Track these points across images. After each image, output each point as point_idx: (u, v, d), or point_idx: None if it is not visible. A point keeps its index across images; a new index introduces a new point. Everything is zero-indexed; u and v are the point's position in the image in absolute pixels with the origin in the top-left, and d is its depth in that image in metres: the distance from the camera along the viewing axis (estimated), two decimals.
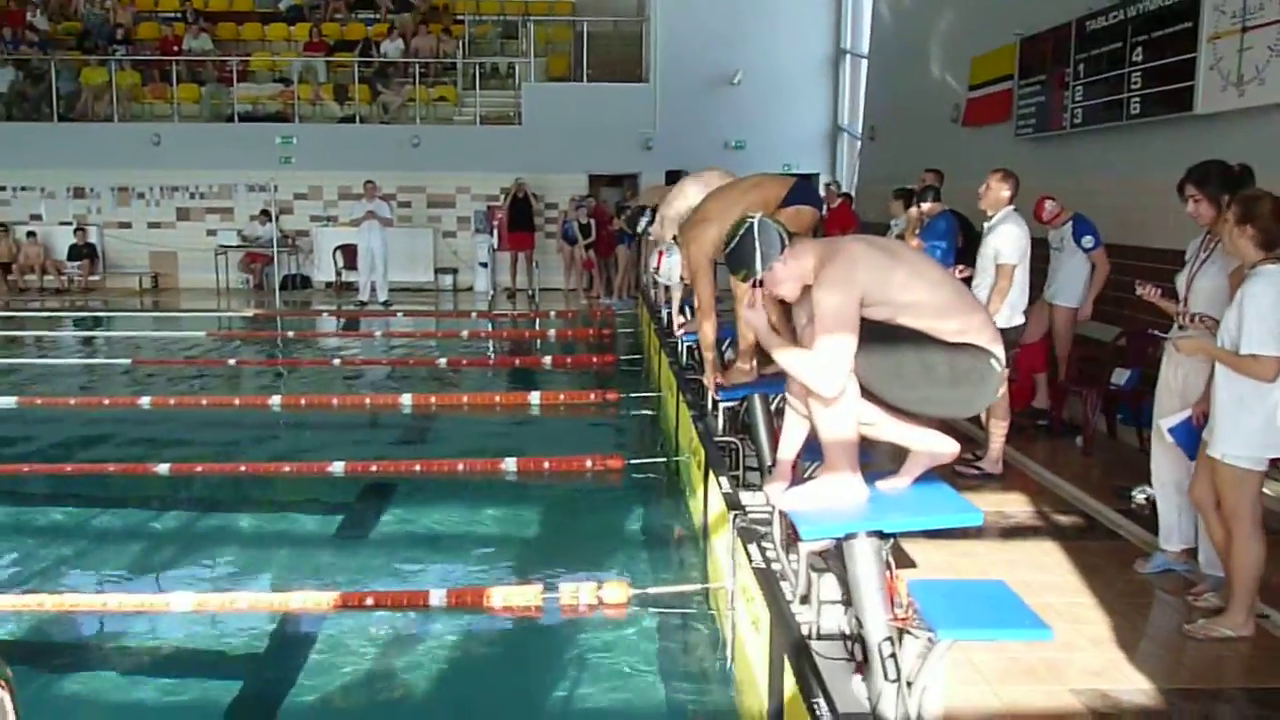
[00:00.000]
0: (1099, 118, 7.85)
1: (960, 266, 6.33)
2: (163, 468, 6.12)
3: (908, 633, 2.96)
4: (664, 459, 6.35)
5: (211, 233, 17.63)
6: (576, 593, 4.17)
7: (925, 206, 7.58)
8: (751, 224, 3.11)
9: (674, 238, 5.61)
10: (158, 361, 10.57)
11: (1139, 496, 5.42)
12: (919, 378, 2.95)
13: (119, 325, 13.92)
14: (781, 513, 3.27)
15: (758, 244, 3.08)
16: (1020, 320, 5.96)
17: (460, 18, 19.12)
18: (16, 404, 8.18)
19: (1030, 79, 9.03)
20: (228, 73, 18.11)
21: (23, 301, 16.04)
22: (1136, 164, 7.51)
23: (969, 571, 4.32)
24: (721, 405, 5.32)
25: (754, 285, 3.15)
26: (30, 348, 11.90)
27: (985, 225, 6.00)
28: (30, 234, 17.35)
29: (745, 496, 4.54)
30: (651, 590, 4.22)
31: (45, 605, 4.03)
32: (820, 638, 3.24)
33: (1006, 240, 5.77)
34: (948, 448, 3.13)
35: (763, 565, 3.55)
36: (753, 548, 3.71)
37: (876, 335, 2.94)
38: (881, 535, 2.95)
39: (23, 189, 17.46)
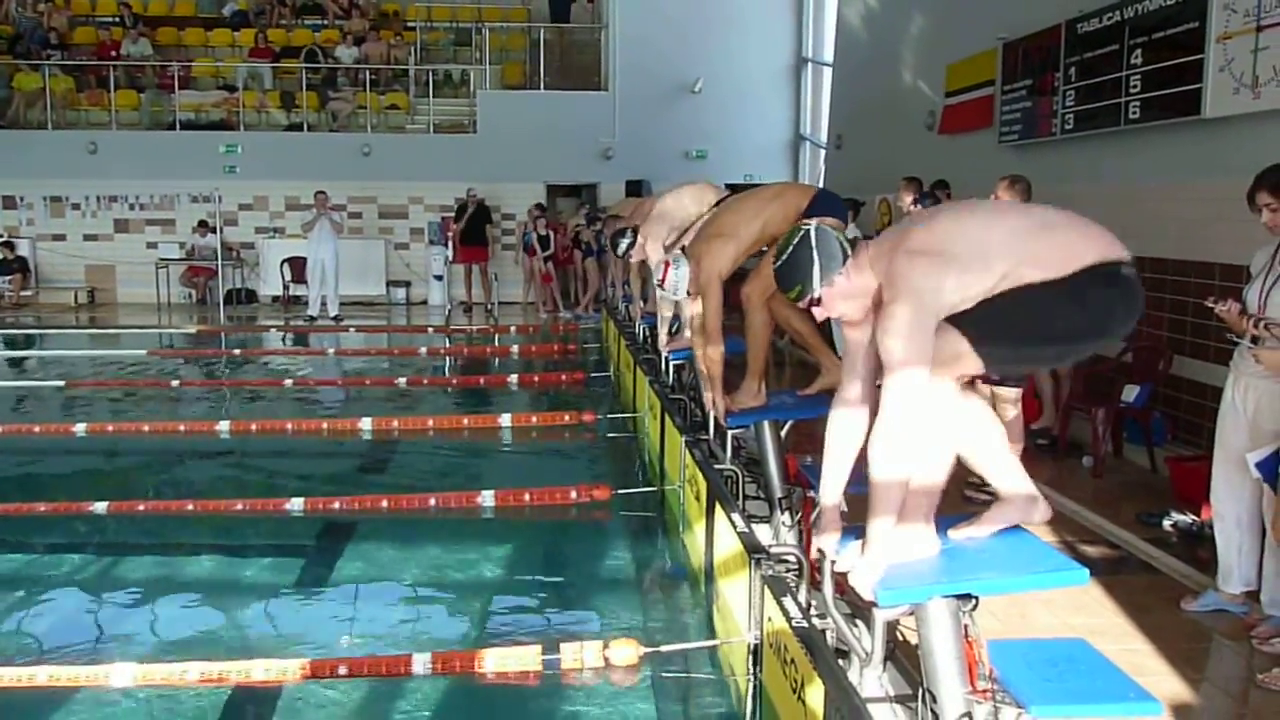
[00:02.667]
0: (1092, 123, 7.57)
1: None
2: (100, 506, 5.49)
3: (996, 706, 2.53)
4: (653, 488, 5.87)
5: (152, 245, 16.83)
6: (580, 653, 3.67)
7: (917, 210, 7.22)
8: (808, 233, 2.67)
9: (682, 249, 5.15)
10: (94, 383, 9.85)
11: (1168, 524, 5.10)
12: (1046, 325, 2.56)
13: (52, 343, 13.10)
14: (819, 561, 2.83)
15: (816, 256, 2.64)
16: None
17: (411, 24, 18.55)
18: None
19: (1014, 84, 8.74)
20: (169, 79, 17.34)
21: None
22: (1133, 170, 7.23)
23: (1006, 611, 3.91)
24: (729, 432, 4.86)
25: (809, 304, 2.71)
26: None
27: None
28: None
29: (759, 535, 4.09)
30: (664, 648, 3.74)
31: None
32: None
33: None
34: (1040, 509, 2.72)
35: (804, 624, 3.10)
36: (787, 601, 3.26)
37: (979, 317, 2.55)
38: (965, 597, 2.52)
39: None
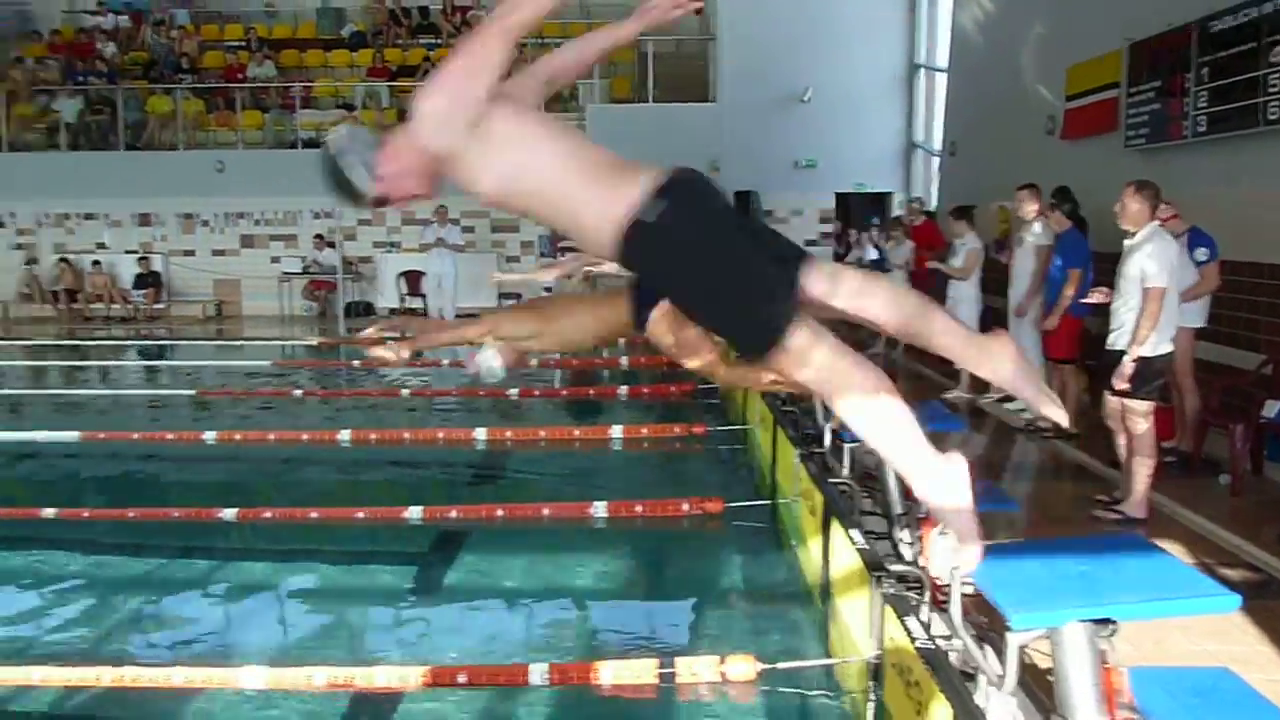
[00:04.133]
0: (1227, 125, 7.21)
1: (1103, 290, 5.74)
2: (229, 513, 5.70)
3: None
4: (766, 501, 5.81)
5: (275, 260, 17.50)
6: (696, 667, 3.64)
7: (1054, 216, 7.05)
8: (326, 151, 2.62)
9: None
10: (222, 392, 10.27)
11: None
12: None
13: (183, 354, 13.72)
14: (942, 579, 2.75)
15: (349, 161, 2.58)
16: (1168, 349, 5.36)
17: (523, 41, 18.84)
18: (79, 438, 7.89)
19: (1141, 86, 8.40)
20: (291, 100, 18.03)
21: (88, 330, 15.98)
22: (1272, 173, 6.86)
23: (1139, 636, 3.73)
24: (845, 445, 4.78)
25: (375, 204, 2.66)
26: (95, 378, 11.72)
27: (1126, 244, 5.42)
28: (95, 263, 17.36)
29: (878, 551, 4.00)
30: (782, 665, 3.68)
31: (102, 680, 3.59)
32: None
33: (1154, 260, 5.19)
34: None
35: (929, 644, 3.01)
36: (910, 620, 3.18)
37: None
38: (1104, 622, 2.41)
39: (89, 217, 17.44)
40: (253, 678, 3.58)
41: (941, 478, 2.47)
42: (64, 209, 17.67)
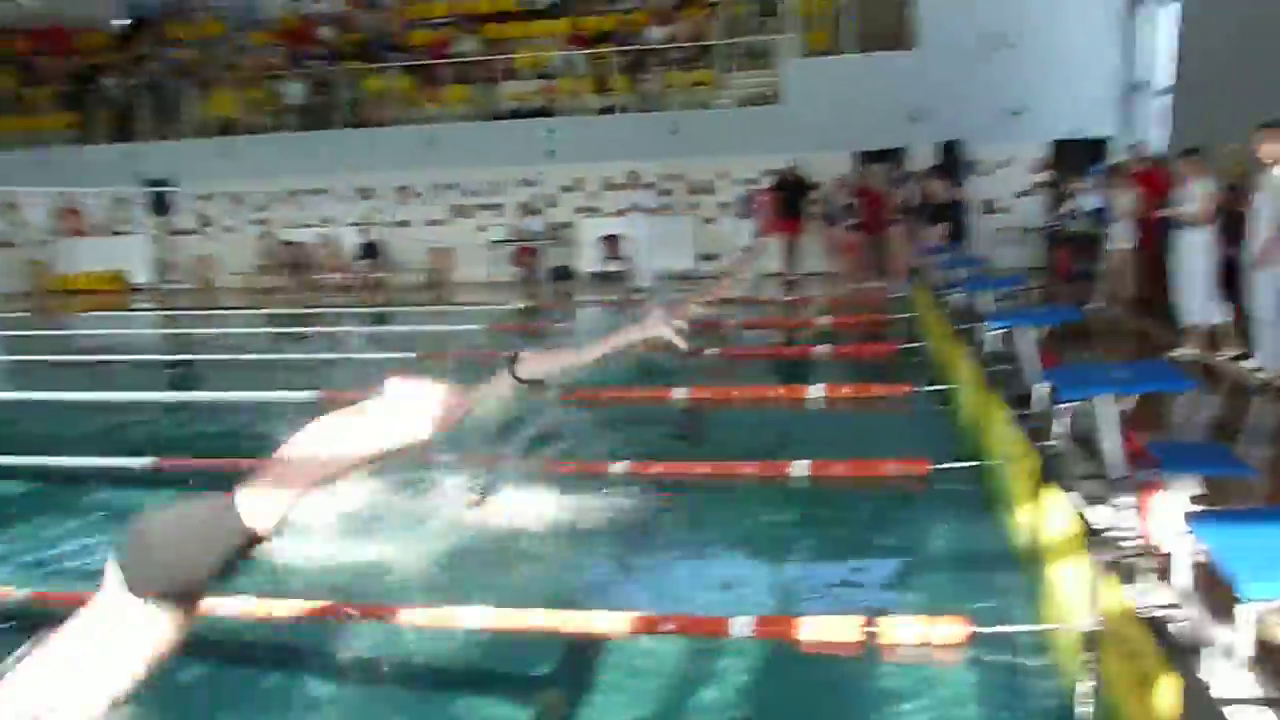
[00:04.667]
0: None
1: None
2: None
3: None
4: (974, 463, 5.64)
5: (483, 228, 18.25)
6: (903, 628, 3.61)
7: None
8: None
9: None
10: (442, 355, 10.88)
11: None
12: None
13: (402, 320, 14.55)
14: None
15: None
16: None
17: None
18: (317, 397, 8.53)
19: None
20: (494, 72, 18.67)
21: (317, 299, 17.17)
22: None
23: None
24: (1060, 406, 4.58)
25: None
26: (326, 344, 12.58)
27: None
28: (322, 236, 18.65)
29: (1096, 516, 3.83)
30: (992, 629, 3.59)
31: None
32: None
33: None
34: None
35: (1153, 613, 2.87)
36: (1130, 587, 3.04)
37: None
38: None
39: (315, 192, 18.69)
40: (471, 618, 3.82)
41: None
42: (293, 186, 19.02)
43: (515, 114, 18.29)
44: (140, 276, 20.07)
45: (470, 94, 18.79)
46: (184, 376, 11.67)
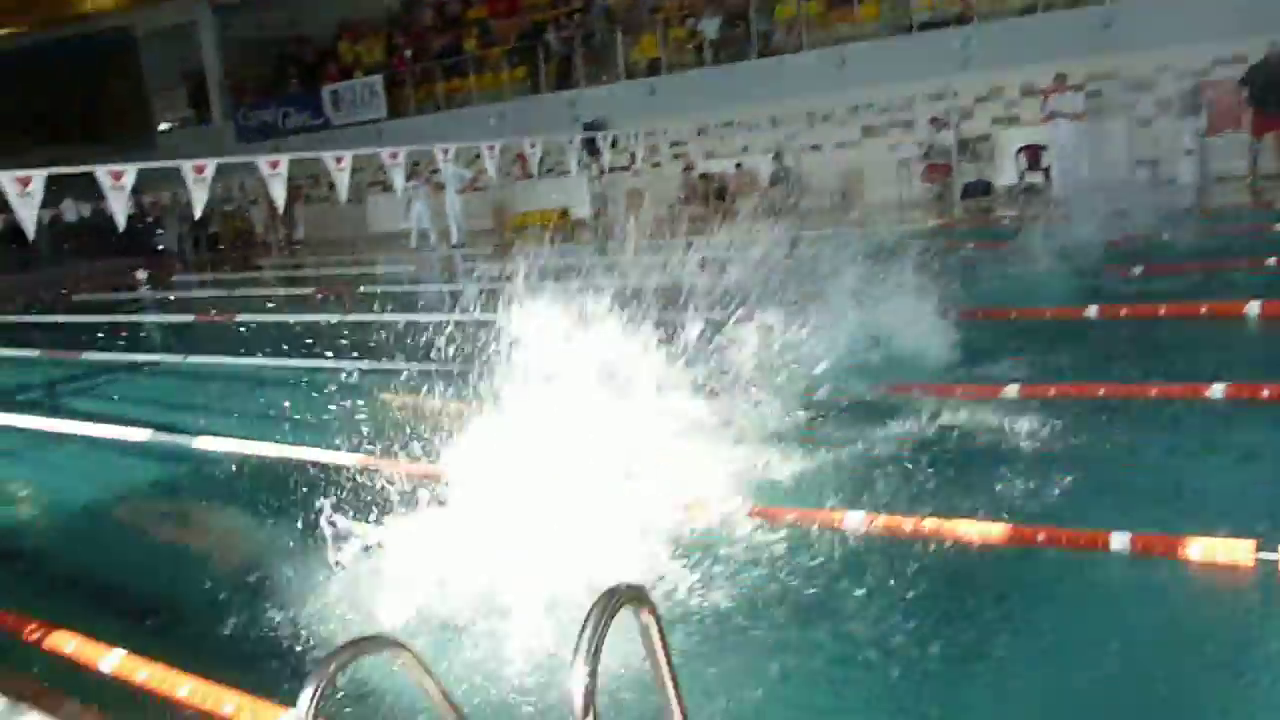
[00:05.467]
0: None
1: None
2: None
3: None
4: None
5: (894, 147, 18.00)
6: None
7: None
8: None
9: None
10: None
11: None
12: None
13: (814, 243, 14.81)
14: None
15: None
16: None
17: None
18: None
19: None
20: None
21: (735, 229, 17.86)
22: None
23: None
24: None
25: None
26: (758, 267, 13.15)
27: None
28: (738, 165, 19.43)
29: None
30: None
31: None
32: None
33: None
34: None
35: None
36: None
37: None
38: None
39: (729, 125, 19.55)
40: (853, 521, 4.10)
41: None
42: (709, 120, 19.94)
43: (928, 25, 17.70)
44: (582, 212, 22.24)
45: (881, 10, 18.45)
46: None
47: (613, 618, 1.78)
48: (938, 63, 16.91)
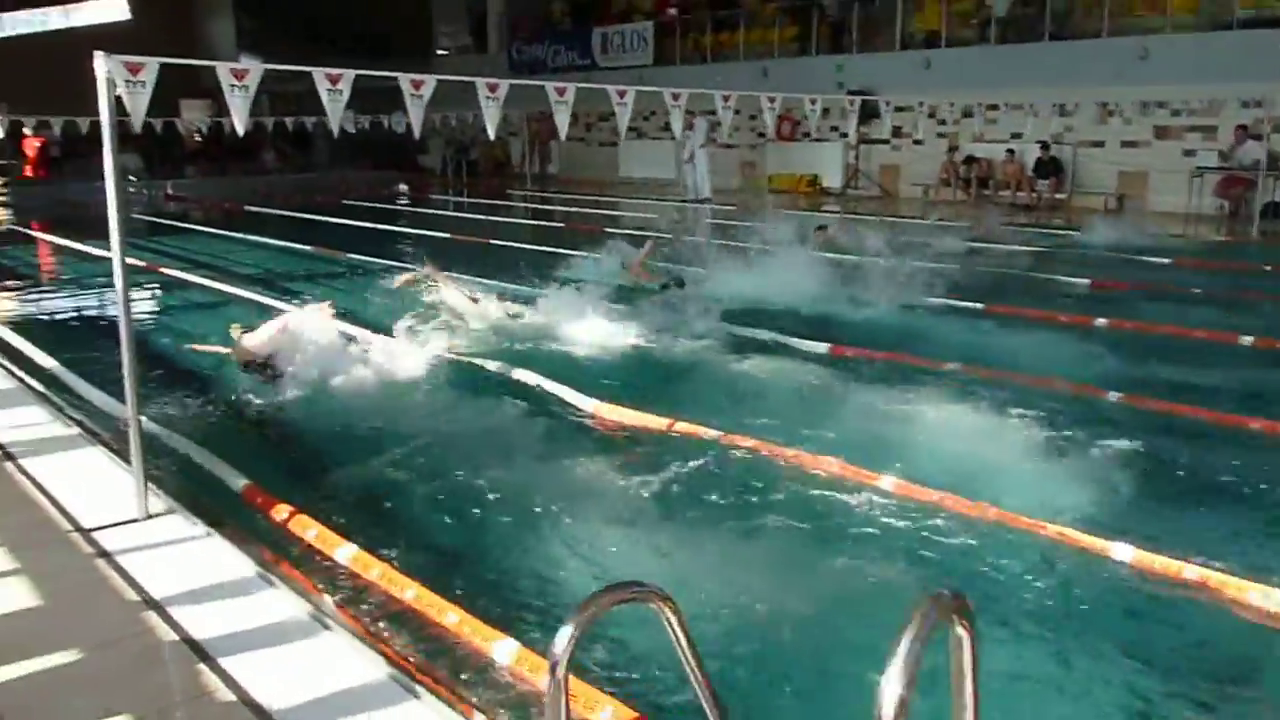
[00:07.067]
0: None
1: None
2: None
3: None
4: None
5: (1189, 153, 16.49)
6: None
7: None
8: None
9: None
10: (1116, 284, 10.31)
11: None
12: None
13: (1080, 246, 13.81)
14: None
15: None
16: None
17: None
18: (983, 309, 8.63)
19: None
20: None
21: (994, 216, 16.89)
22: None
23: None
24: None
25: None
26: (995, 262, 12.41)
27: None
28: (1009, 151, 18.33)
29: None
30: None
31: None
32: None
33: None
34: None
35: None
36: None
37: None
38: None
39: (1011, 107, 18.41)
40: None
41: None
42: (988, 99, 18.83)
43: (1251, 23, 15.96)
44: (832, 181, 21.68)
45: (1200, 2, 16.77)
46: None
47: (934, 628, 1.59)
48: (1256, 66, 15.22)
